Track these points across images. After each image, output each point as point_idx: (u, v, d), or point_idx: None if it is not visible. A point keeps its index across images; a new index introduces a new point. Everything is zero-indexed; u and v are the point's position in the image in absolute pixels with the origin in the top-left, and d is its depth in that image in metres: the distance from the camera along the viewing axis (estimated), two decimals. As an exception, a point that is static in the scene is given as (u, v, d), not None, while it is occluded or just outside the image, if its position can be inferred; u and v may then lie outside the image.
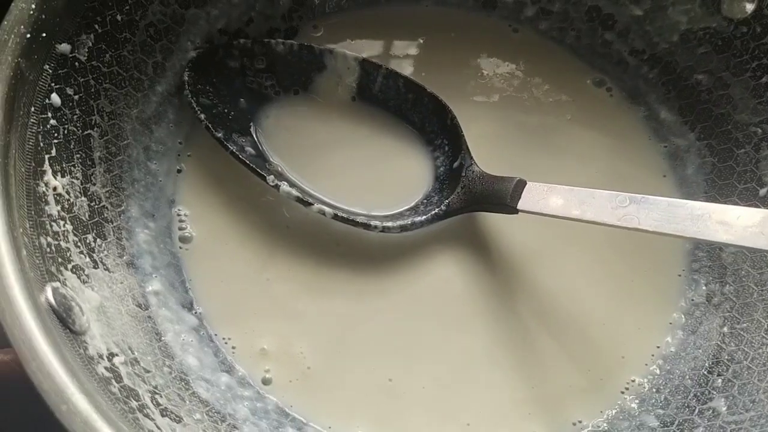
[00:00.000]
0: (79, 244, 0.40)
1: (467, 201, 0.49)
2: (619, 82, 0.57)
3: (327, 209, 0.47)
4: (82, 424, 0.29)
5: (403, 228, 0.48)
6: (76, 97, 0.43)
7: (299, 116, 0.53)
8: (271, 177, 0.47)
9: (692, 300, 0.50)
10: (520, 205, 0.46)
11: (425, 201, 0.51)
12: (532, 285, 0.49)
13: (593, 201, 0.44)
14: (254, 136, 0.51)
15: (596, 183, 0.50)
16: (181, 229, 0.48)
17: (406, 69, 0.56)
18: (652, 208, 0.42)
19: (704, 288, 0.50)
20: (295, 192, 0.47)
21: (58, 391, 0.30)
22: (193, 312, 0.46)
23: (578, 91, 0.57)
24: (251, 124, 0.52)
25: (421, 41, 0.57)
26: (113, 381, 0.35)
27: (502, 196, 0.47)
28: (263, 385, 0.44)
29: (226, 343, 0.45)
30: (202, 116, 0.49)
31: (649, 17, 0.55)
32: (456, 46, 0.57)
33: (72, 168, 0.41)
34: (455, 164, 0.51)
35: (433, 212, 0.49)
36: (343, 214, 0.48)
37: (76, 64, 0.43)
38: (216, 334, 0.46)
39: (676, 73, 0.55)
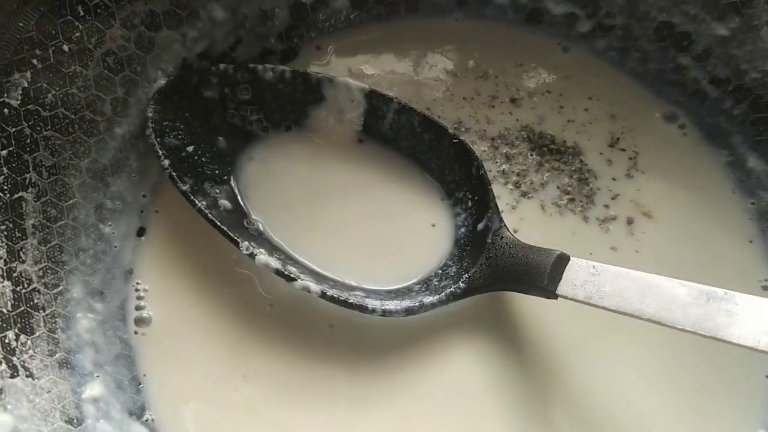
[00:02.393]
0: (-10, 346, 0.32)
1: (493, 277, 0.39)
2: (695, 118, 0.46)
3: (313, 286, 0.38)
4: None
5: (408, 311, 0.38)
6: (4, 152, 0.34)
7: (290, 158, 0.44)
8: (246, 244, 0.38)
9: (784, 415, 0.39)
10: (561, 290, 0.36)
11: (440, 273, 0.41)
12: (573, 388, 0.39)
13: (658, 293, 0.34)
14: (233, 184, 0.42)
15: (660, 249, 0.41)
16: (138, 308, 0.39)
17: (425, 102, 0.45)
18: (739, 309, 0.31)
19: (800, 399, 0.39)
20: (274, 263, 0.38)
21: None
22: (144, 419, 0.37)
23: (643, 127, 0.46)
24: (230, 169, 0.43)
25: (449, 65, 0.47)
26: None
27: (538, 276, 0.37)
28: None
29: (186, 466, 0.37)
30: (166, 162, 0.40)
31: (737, 39, 0.43)
32: (498, 73, 0.46)
33: (-11, 245, 0.33)
34: (480, 226, 0.41)
35: (449, 290, 0.39)
36: (334, 292, 0.38)
37: (5, 111, 0.35)
38: (172, 452, 0.37)
39: (769, 109, 0.43)
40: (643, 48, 0.46)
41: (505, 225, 0.40)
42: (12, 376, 0.32)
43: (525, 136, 0.45)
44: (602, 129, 0.46)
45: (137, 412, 0.37)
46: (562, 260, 0.37)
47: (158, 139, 0.40)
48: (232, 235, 0.39)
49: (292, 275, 0.38)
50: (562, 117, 0.46)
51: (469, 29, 0.48)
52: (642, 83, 0.47)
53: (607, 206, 0.43)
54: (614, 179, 0.44)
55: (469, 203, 0.42)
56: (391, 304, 0.38)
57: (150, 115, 0.41)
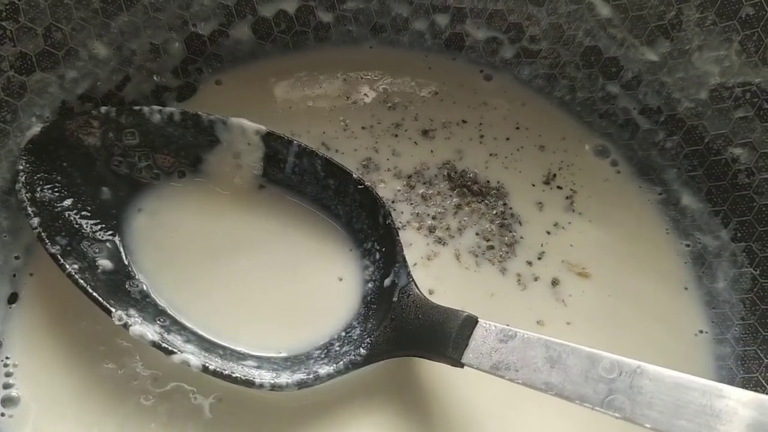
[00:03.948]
0: None
1: (396, 342, 0.35)
2: (626, 151, 0.43)
3: (193, 360, 0.34)
4: None
5: (301, 384, 0.34)
6: None
7: (184, 208, 0.40)
8: (119, 313, 0.34)
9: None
10: (466, 358, 0.33)
11: (344, 335, 0.37)
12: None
13: (568, 364, 0.31)
14: (117, 240, 0.38)
15: (589, 297, 0.39)
16: (6, 386, 0.35)
17: (317, 135, 0.42)
18: (651, 387, 0.28)
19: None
20: (150, 335, 0.34)
21: None
22: None
23: (573, 162, 0.42)
24: (115, 222, 0.39)
25: (361, 98, 0.43)
26: None
27: (442, 341, 0.34)
28: None
29: None
30: (35, 221, 0.36)
31: (668, 65, 0.40)
32: (407, 102, 0.43)
33: None
34: (387, 281, 0.37)
35: (348, 359, 0.35)
36: (217, 365, 0.34)
37: None
38: None
39: (703, 142, 0.40)
40: (570, 75, 0.43)
41: (413, 281, 0.36)
42: None
43: (445, 174, 0.41)
44: (532, 163, 0.42)
45: None
46: (470, 323, 0.33)
47: (29, 194, 0.36)
48: (104, 302, 0.35)
49: (170, 348, 0.34)
50: (483, 149, 0.42)
51: (383, 57, 0.44)
52: (570, 113, 0.43)
53: (530, 263, 0.39)
54: (548, 233, 0.40)
55: (377, 255, 0.38)
56: (283, 377, 0.35)
57: (21, 167, 0.37)
